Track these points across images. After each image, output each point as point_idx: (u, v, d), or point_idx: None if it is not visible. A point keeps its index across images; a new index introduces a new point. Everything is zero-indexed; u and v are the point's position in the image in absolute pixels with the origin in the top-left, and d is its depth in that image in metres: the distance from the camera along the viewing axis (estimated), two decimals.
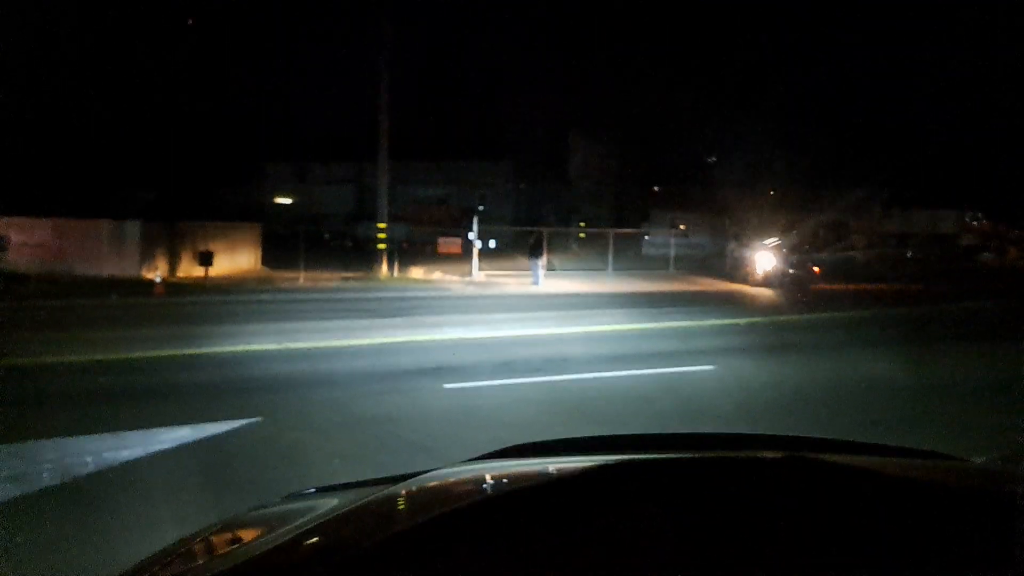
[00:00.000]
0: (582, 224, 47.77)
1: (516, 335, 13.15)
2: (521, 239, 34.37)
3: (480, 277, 24.50)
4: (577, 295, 20.89)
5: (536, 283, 23.48)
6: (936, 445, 2.25)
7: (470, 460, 1.91)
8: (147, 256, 21.46)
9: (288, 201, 46.84)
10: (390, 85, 24.46)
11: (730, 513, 1.32)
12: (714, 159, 41.59)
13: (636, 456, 1.79)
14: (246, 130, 51.42)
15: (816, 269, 25.93)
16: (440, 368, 9.94)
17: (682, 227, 40.62)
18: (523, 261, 28.52)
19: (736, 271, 28.07)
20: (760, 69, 60.37)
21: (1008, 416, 7.94)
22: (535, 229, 25.91)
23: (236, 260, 25.25)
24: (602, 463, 1.71)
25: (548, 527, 1.28)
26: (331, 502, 1.71)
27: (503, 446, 1.98)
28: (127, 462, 5.93)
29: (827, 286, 24.28)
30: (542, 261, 24.16)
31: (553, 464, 1.85)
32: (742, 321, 15.97)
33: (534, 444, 1.99)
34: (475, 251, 25.05)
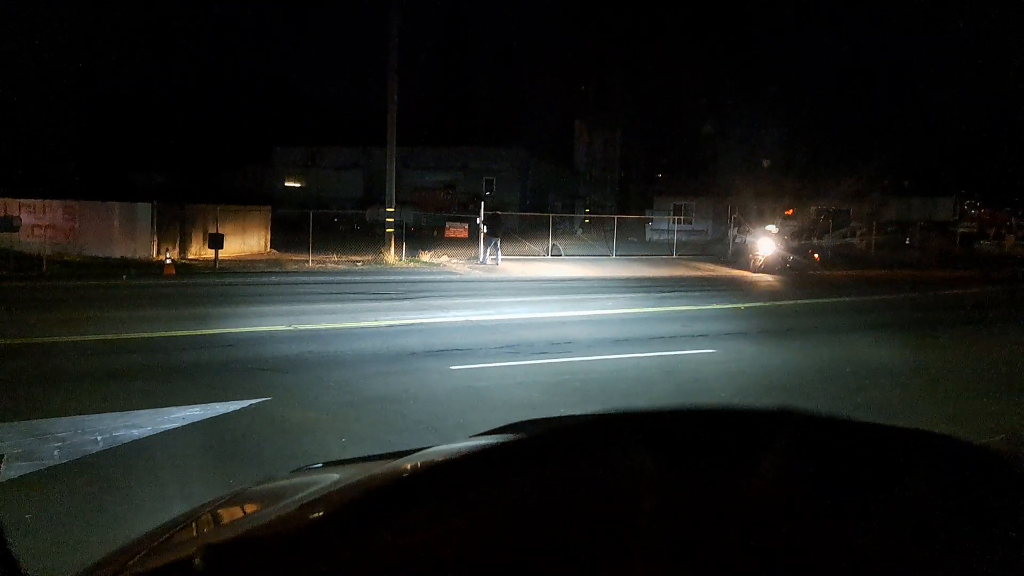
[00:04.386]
0: (587, 210, 47.72)
1: (522, 318, 13.19)
2: (528, 225, 34.31)
3: (487, 261, 24.54)
4: (582, 279, 20.91)
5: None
6: (935, 427, 2.27)
7: (472, 437, 1.94)
8: (158, 238, 21.57)
9: (298, 185, 46.86)
10: (399, 71, 24.46)
11: (716, 464, 1.35)
12: (710, 128, 41.33)
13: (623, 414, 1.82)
14: (257, 114, 51.54)
15: (816, 256, 25.90)
16: (447, 350, 10.00)
17: (684, 216, 40.56)
18: (530, 246, 28.54)
19: (738, 257, 28.06)
20: (761, 57, 60.06)
21: (1007, 400, 7.97)
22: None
23: (246, 243, 25.34)
24: (588, 421, 1.73)
25: (543, 489, 1.32)
26: (335, 476, 1.74)
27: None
28: (137, 440, 6.00)
29: (826, 272, 24.33)
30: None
31: (549, 436, 1.88)
32: (743, 306, 16.00)
33: (535, 421, 2.02)
34: (482, 236, 25.05)
